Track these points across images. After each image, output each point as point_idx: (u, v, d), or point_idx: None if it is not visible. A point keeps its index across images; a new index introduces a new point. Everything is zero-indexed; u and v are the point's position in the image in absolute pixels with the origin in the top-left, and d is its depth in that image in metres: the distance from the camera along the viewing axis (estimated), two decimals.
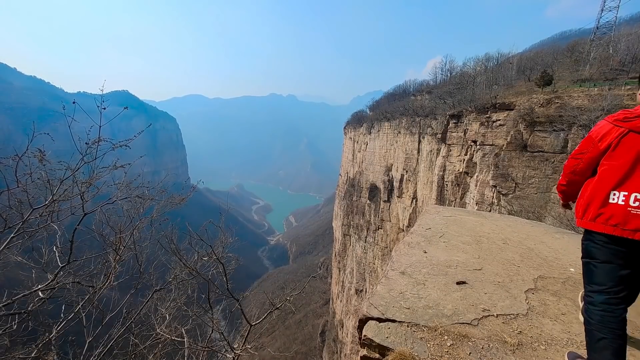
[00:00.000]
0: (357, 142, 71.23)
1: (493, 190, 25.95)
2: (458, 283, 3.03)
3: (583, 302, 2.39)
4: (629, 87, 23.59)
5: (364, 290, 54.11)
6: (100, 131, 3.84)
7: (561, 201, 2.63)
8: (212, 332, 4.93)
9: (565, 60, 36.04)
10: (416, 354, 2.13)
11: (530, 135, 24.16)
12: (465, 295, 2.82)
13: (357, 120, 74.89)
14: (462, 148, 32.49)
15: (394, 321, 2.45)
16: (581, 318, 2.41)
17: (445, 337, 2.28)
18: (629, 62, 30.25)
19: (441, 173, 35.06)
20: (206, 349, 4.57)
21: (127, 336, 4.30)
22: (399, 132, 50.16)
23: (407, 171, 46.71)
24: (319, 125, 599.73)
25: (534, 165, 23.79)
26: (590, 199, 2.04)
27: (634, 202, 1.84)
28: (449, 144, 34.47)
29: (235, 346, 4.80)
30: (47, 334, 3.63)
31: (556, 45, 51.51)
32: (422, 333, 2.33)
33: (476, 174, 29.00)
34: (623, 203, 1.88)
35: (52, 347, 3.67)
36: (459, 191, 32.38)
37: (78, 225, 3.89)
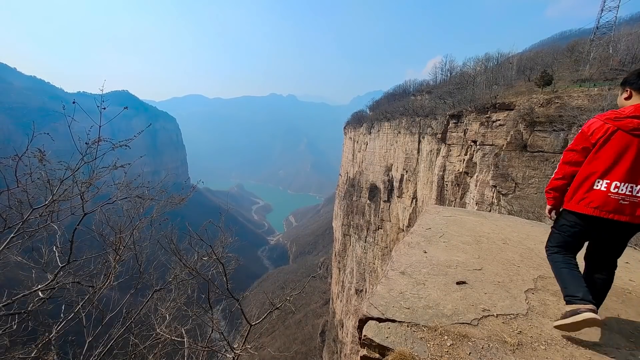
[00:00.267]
0: (357, 142, 71.23)
1: (493, 190, 25.95)
2: (458, 283, 3.03)
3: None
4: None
5: (364, 290, 54.11)
6: (100, 131, 3.84)
7: (549, 204, 2.69)
8: (212, 332, 4.93)
9: (565, 60, 36.02)
10: (416, 354, 2.13)
11: (530, 135, 24.15)
12: (465, 295, 2.82)
13: (357, 120, 74.86)
14: (462, 148, 32.47)
15: (394, 321, 2.45)
16: None
17: (445, 337, 2.28)
18: (629, 62, 30.25)
19: (441, 173, 35.05)
20: (206, 349, 4.57)
21: (127, 336, 4.30)
22: (399, 132, 50.14)
23: (407, 171, 46.70)
24: (319, 125, 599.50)
25: (534, 165, 23.78)
26: (578, 186, 2.37)
27: (613, 189, 2.19)
28: (449, 144, 34.46)
29: (235, 346, 4.80)
30: (47, 334, 3.64)
31: (556, 45, 51.50)
32: (422, 333, 2.33)
33: (476, 174, 29.00)
34: (605, 189, 2.22)
35: (52, 347, 3.67)
36: (459, 191, 32.38)
37: (78, 225, 3.89)
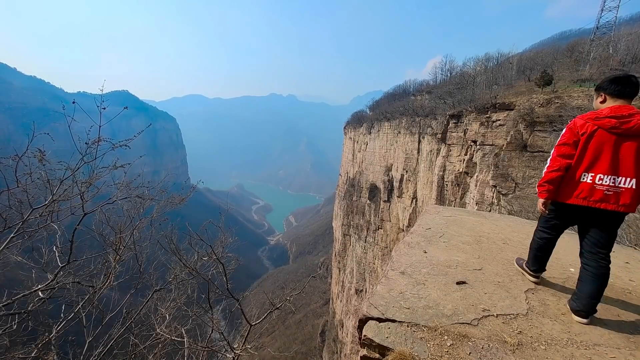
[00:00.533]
0: (357, 142, 71.19)
1: (493, 190, 25.94)
2: (458, 283, 3.03)
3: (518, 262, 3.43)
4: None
5: (364, 290, 54.10)
6: (100, 131, 3.84)
7: (543, 197, 2.83)
8: (212, 332, 4.93)
9: (565, 60, 36.00)
10: (416, 354, 2.13)
11: (530, 135, 24.15)
12: (465, 295, 2.82)
13: (357, 120, 74.81)
14: (462, 148, 32.46)
15: (394, 321, 2.45)
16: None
17: (445, 337, 2.28)
18: (629, 62, 30.24)
19: (441, 173, 35.04)
20: (206, 349, 4.57)
21: (127, 336, 4.30)
22: (399, 132, 50.12)
23: (407, 171, 46.69)
24: (319, 125, 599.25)
25: (534, 165, 23.77)
26: (568, 179, 2.65)
27: (598, 181, 2.47)
28: (449, 144, 34.44)
29: (235, 346, 4.80)
30: (47, 334, 3.63)
31: (556, 45, 51.48)
32: (422, 333, 2.33)
33: (476, 174, 28.99)
34: (591, 181, 2.50)
35: (52, 347, 3.67)
36: (459, 191, 32.38)
37: (78, 225, 3.89)
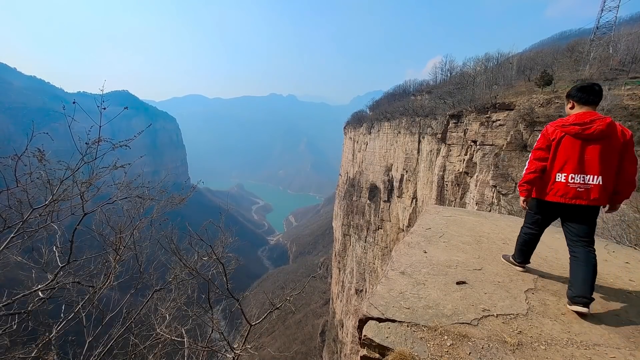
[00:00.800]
0: (357, 142, 71.18)
1: (493, 190, 25.94)
2: (458, 283, 3.03)
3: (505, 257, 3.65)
4: (628, 87, 23.60)
5: (364, 290, 54.10)
6: (100, 131, 3.83)
7: (523, 196, 3.14)
8: (212, 332, 4.93)
9: (565, 60, 36.02)
10: (416, 354, 2.13)
11: (530, 135, 24.15)
12: (465, 295, 2.82)
13: (357, 120, 74.80)
14: (462, 148, 32.46)
15: (394, 321, 2.45)
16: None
17: (445, 337, 2.28)
18: (629, 62, 30.27)
19: (441, 173, 35.04)
20: (206, 349, 4.57)
21: (127, 336, 4.30)
22: (399, 132, 50.12)
23: (407, 171, 46.69)
24: (319, 125, 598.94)
25: None
26: (547, 179, 2.92)
27: (570, 180, 2.75)
28: (449, 144, 34.44)
29: (235, 346, 4.80)
30: (47, 334, 3.63)
31: (556, 45, 51.49)
32: (422, 333, 2.33)
33: (476, 174, 28.99)
34: (564, 180, 2.78)
35: (52, 347, 3.67)
36: (459, 191, 32.37)
37: (78, 225, 3.88)
